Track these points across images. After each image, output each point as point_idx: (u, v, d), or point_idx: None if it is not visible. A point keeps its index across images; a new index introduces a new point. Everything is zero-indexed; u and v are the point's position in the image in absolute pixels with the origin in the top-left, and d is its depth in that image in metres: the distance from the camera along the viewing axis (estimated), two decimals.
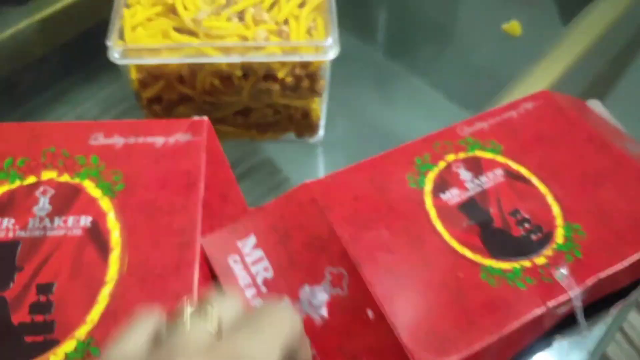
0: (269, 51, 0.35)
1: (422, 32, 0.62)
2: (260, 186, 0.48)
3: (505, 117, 0.35)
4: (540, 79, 0.56)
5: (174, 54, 0.35)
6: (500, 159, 0.33)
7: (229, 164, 0.36)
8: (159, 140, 0.33)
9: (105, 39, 0.35)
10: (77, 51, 0.54)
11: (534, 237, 0.30)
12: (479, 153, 0.33)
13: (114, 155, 0.32)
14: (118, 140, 0.33)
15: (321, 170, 0.49)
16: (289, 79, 0.39)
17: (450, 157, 0.33)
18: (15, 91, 0.51)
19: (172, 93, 0.39)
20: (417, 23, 0.63)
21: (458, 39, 0.61)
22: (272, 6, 0.39)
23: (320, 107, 0.44)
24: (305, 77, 0.39)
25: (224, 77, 0.38)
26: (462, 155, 0.33)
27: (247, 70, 0.38)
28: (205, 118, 0.34)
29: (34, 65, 0.53)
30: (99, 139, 0.33)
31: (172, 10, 0.38)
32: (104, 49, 0.35)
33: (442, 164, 0.33)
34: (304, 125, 0.45)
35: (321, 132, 0.46)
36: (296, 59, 0.36)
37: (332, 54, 0.36)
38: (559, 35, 0.61)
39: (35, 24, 0.54)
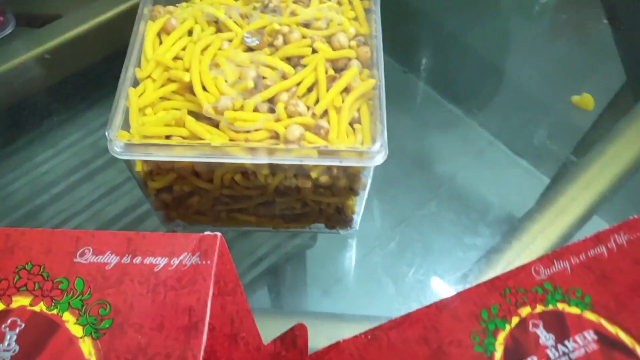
0: (303, 153, 0.29)
1: (485, 85, 0.55)
2: (282, 284, 0.41)
3: (592, 255, 0.28)
4: (611, 162, 0.49)
5: (188, 151, 0.29)
6: (590, 316, 0.26)
7: (243, 289, 0.29)
8: (159, 262, 0.27)
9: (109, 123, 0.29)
10: (95, 76, 0.53)
11: None
12: (562, 306, 0.26)
13: (103, 280, 0.26)
14: (110, 259, 0.27)
15: (353, 265, 0.42)
16: (324, 178, 0.32)
17: (525, 311, 0.26)
18: (31, 114, 0.50)
19: (185, 185, 0.33)
20: (475, 69, 0.56)
21: (526, 102, 0.53)
22: (309, 90, 0.33)
23: (358, 203, 0.37)
24: (344, 177, 0.33)
25: (247, 172, 0.32)
26: (540, 308, 0.26)
27: (275, 168, 0.31)
28: (218, 234, 0.28)
29: (51, 89, 0.52)
30: (87, 256, 0.27)
31: (189, 89, 0.32)
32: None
33: (515, 321, 0.26)
34: (337, 219, 0.38)
35: (356, 226, 0.40)
36: (335, 163, 0.29)
37: (379, 159, 0.29)
38: (631, 112, 0.54)
39: (51, 49, 0.54)
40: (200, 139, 0.30)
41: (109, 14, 0.57)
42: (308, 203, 0.36)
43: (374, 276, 0.40)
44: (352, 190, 0.34)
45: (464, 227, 0.43)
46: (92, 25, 0.56)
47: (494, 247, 0.42)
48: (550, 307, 0.26)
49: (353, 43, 0.35)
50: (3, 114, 0.50)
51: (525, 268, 0.27)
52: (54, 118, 0.50)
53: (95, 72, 0.53)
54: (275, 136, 0.31)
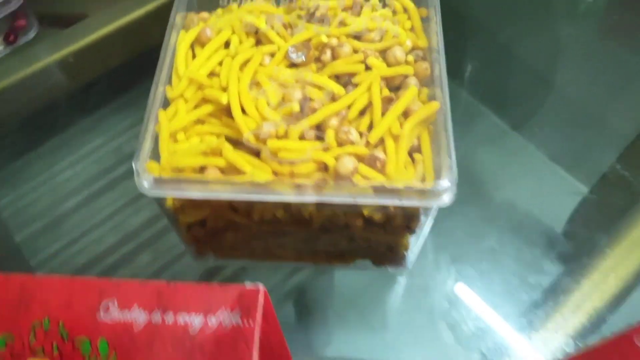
0: (357, 190, 0.26)
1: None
2: (316, 321, 0.38)
3: None
4: None
5: (226, 187, 0.26)
6: None
7: (289, 353, 0.26)
8: (194, 321, 0.24)
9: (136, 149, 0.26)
10: (118, 80, 0.51)
11: None
12: None
13: (130, 341, 0.23)
14: (138, 316, 0.24)
15: (403, 306, 0.38)
16: (378, 216, 0.29)
17: None
18: (53, 120, 0.48)
19: (220, 221, 0.30)
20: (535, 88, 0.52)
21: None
22: (361, 113, 0.29)
23: (413, 240, 0.33)
24: (401, 215, 0.29)
25: (290, 208, 0.29)
26: None
27: (322, 205, 0.28)
28: (261, 287, 0.24)
29: (73, 94, 0.51)
30: (112, 312, 0.24)
31: (226, 110, 0.29)
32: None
33: None
34: (387, 257, 0.35)
35: (409, 264, 0.36)
36: (394, 203, 0.26)
37: (447, 199, 0.26)
38: None
39: (75, 52, 0.52)
40: (239, 171, 0.27)
41: (136, 14, 0.55)
42: (356, 239, 0.33)
43: (427, 320, 0.36)
44: (408, 229, 0.31)
45: (526, 265, 0.39)
46: (118, 26, 0.54)
47: (561, 288, 0.38)
48: None
49: (410, 58, 0.31)
50: (25, 120, 0.49)
51: (626, 338, 0.24)
52: (76, 124, 0.48)
53: (119, 75, 0.51)
54: (324, 167, 0.27)
